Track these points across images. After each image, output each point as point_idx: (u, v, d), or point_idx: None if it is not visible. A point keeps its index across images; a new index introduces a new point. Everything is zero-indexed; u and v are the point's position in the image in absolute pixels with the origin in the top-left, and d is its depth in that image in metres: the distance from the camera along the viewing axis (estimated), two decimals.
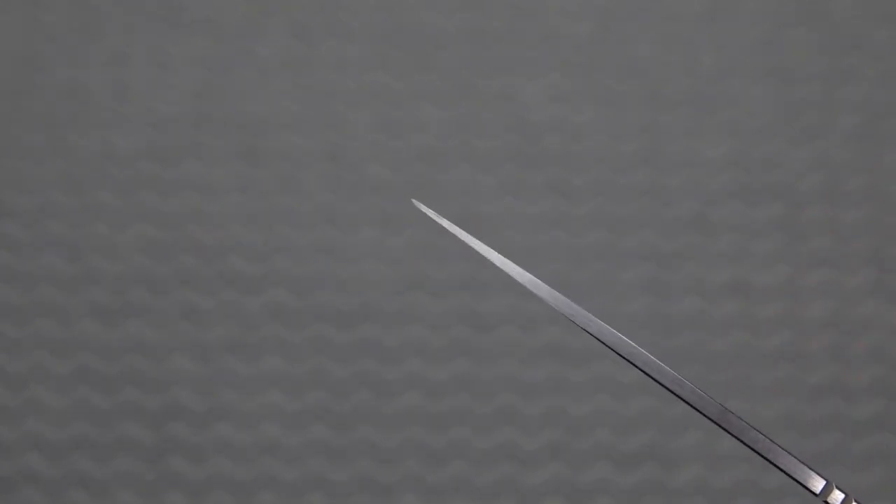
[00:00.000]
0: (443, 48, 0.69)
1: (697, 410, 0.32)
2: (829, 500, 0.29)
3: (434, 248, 0.68)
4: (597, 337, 0.32)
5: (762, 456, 0.31)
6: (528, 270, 0.68)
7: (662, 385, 0.32)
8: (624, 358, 0.32)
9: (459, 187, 0.68)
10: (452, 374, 0.68)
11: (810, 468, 0.30)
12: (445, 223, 0.34)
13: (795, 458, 0.30)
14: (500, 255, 0.34)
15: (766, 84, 0.69)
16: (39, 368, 0.68)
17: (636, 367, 0.32)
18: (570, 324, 0.67)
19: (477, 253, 0.68)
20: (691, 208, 0.68)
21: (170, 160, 0.69)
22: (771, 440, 0.31)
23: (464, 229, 0.68)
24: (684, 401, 0.32)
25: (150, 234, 0.68)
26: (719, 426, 0.31)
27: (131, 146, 0.69)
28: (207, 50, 0.69)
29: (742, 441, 0.31)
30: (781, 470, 0.31)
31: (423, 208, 0.35)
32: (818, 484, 0.30)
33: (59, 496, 0.68)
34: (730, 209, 0.68)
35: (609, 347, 0.32)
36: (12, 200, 0.69)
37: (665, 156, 0.68)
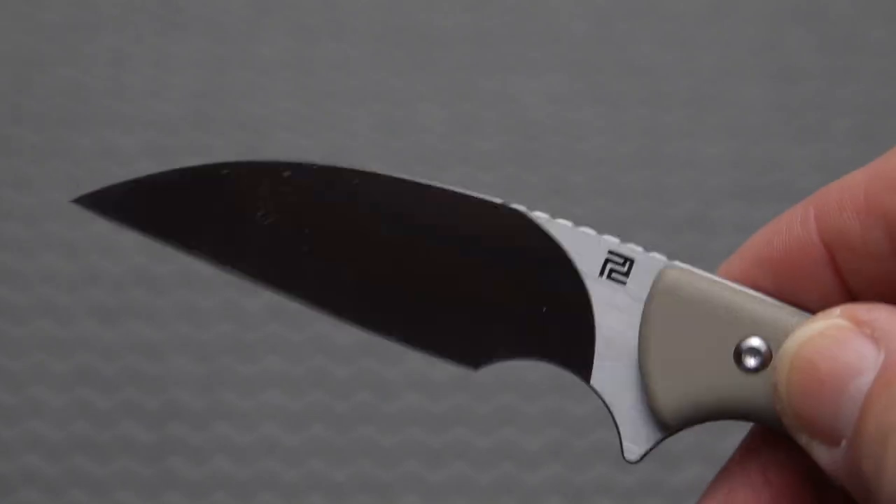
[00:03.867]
0: (443, 48, 0.69)
1: None
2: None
3: None
4: None
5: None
6: None
7: None
8: None
9: (459, 187, 0.68)
10: (452, 374, 0.68)
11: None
12: None
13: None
14: None
15: (766, 84, 0.69)
16: (39, 368, 0.68)
17: None
18: None
19: None
20: (691, 208, 0.68)
21: (170, 160, 0.69)
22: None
23: None
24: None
25: None
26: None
27: (131, 146, 0.69)
28: (207, 50, 0.69)
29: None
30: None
31: None
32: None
33: (59, 496, 0.68)
34: (730, 209, 0.68)
35: None
36: (12, 200, 0.69)
37: (665, 156, 0.68)
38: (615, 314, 0.28)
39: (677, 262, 0.28)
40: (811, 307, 0.28)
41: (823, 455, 0.26)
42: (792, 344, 0.26)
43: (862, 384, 0.25)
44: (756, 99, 0.68)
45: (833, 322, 0.26)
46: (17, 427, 0.68)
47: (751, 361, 0.27)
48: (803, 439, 0.26)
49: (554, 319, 0.28)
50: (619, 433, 0.28)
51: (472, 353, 0.29)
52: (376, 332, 0.29)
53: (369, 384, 0.68)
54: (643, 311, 0.28)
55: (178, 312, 0.68)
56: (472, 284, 0.29)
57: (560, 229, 0.29)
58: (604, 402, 0.28)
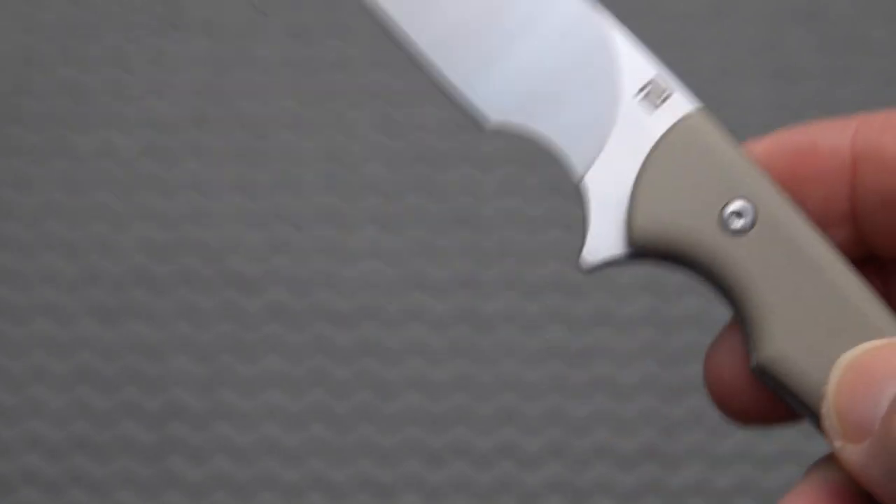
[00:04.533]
0: None
1: None
2: None
3: (434, 248, 0.68)
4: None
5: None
6: (528, 270, 0.68)
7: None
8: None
9: (459, 187, 0.68)
10: (452, 374, 0.68)
11: None
12: None
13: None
14: None
15: (766, 84, 0.69)
16: (39, 368, 0.68)
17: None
18: (570, 324, 0.67)
19: (477, 252, 0.68)
20: None
21: (170, 160, 0.69)
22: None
23: (464, 229, 0.68)
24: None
25: (150, 234, 0.68)
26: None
27: (131, 146, 0.69)
28: (207, 50, 0.69)
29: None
30: None
31: None
32: None
33: (59, 496, 0.68)
34: None
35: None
36: (12, 200, 0.69)
37: None
38: (632, 132, 0.29)
39: (706, 111, 0.30)
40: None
41: (852, 457, 0.26)
42: (850, 353, 0.27)
43: None
44: (756, 99, 0.68)
45: (894, 340, 0.27)
46: (17, 427, 0.68)
47: (736, 223, 0.29)
48: (838, 444, 0.26)
49: (580, 109, 0.30)
50: (584, 238, 0.29)
51: (493, 104, 0.30)
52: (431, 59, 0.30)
53: (369, 384, 0.68)
54: (656, 141, 0.29)
55: (178, 312, 0.68)
56: (524, 49, 0.30)
57: (621, 38, 0.30)
58: (586, 203, 0.30)
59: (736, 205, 0.29)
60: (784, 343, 0.28)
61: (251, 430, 0.68)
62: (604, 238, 0.29)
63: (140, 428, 0.68)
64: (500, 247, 0.68)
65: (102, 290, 0.68)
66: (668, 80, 0.30)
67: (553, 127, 0.30)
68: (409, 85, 0.69)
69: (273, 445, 0.68)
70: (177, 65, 0.69)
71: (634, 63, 0.30)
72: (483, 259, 0.68)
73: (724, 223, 0.29)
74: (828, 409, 0.27)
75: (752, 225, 0.29)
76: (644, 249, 0.29)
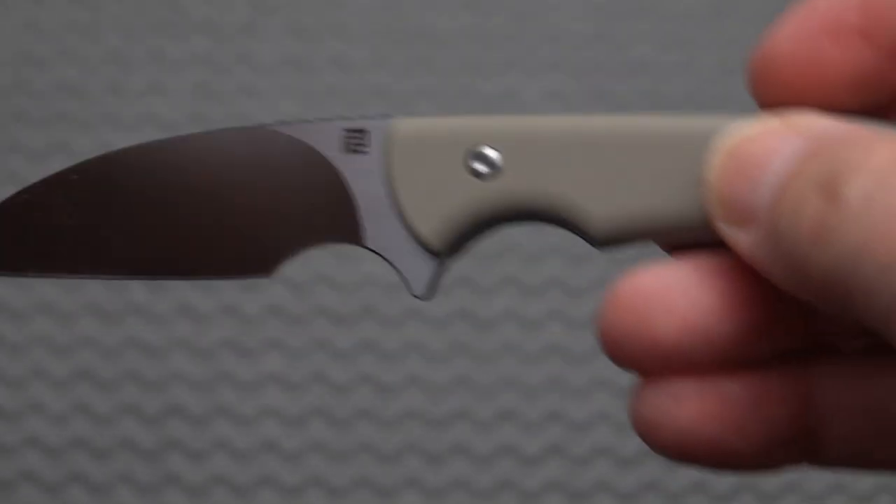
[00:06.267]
0: (443, 48, 0.69)
1: None
2: None
3: None
4: None
5: None
6: (529, 269, 0.68)
7: None
8: None
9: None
10: (452, 375, 0.68)
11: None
12: None
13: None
14: None
15: None
16: (39, 368, 0.68)
17: None
18: (570, 324, 0.68)
19: (477, 253, 0.68)
20: None
21: None
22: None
23: None
24: None
25: None
26: None
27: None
28: (207, 50, 0.69)
29: None
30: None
31: None
32: None
33: (59, 496, 0.68)
34: None
35: None
36: None
37: None
38: (366, 179, 0.31)
39: (398, 117, 0.31)
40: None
41: (741, 241, 0.27)
42: (729, 140, 0.29)
43: (781, 163, 0.27)
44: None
45: (768, 123, 0.28)
46: (17, 427, 0.68)
47: (481, 168, 0.31)
48: (724, 228, 0.28)
49: (320, 206, 0.31)
50: (402, 278, 0.31)
51: (260, 264, 0.32)
52: (168, 277, 0.32)
53: (369, 384, 0.68)
54: (384, 162, 0.31)
55: (178, 312, 0.68)
56: (244, 204, 0.32)
57: (297, 127, 0.31)
58: (381, 256, 0.31)
59: (474, 152, 0.31)
60: (603, 213, 0.31)
61: (251, 430, 0.68)
62: (415, 267, 0.31)
63: (140, 428, 0.68)
64: (500, 247, 0.68)
65: (102, 290, 0.68)
66: (355, 122, 0.31)
67: (318, 237, 0.31)
68: (409, 85, 0.69)
69: (273, 445, 0.68)
70: (177, 65, 0.69)
71: (320, 137, 0.31)
72: (483, 259, 0.68)
73: (476, 174, 0.31)
74: (710, 194, 0.28)
75: (501, 154, 0.32)
76: (447, 246, 0.31)
